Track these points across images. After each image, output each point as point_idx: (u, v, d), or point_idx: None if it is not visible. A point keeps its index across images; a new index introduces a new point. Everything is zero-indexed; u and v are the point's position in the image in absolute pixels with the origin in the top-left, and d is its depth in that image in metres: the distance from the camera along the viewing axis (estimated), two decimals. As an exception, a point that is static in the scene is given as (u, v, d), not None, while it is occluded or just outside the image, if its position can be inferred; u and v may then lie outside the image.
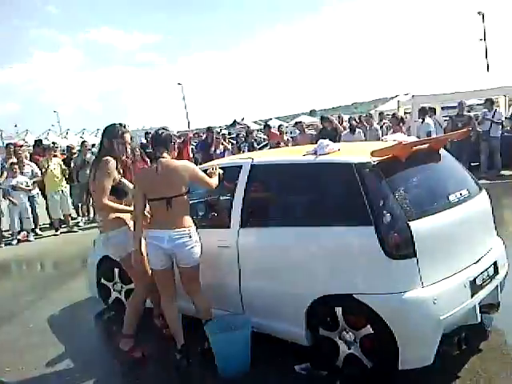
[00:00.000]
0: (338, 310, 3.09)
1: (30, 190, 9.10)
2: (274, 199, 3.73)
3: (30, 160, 10.03)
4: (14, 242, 8.78)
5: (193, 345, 3.58)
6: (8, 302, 5.50)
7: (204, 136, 12.42)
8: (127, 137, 3.81)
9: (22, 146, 10.99)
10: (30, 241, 8.86)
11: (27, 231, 9.04)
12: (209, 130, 11.40)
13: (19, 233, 9.01)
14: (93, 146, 11.75)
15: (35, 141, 12.97)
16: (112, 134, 3.75)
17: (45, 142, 14.17)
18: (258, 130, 22.85)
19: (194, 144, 13.16)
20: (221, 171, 3.84)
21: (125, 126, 3.84)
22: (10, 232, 9.00)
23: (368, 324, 2.96)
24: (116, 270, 4.52)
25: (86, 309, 4.91)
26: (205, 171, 3.77)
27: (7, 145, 10.17)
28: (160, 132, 3.65)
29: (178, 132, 28.79)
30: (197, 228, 3.57)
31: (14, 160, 9.15)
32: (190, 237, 3.45)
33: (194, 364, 3.50)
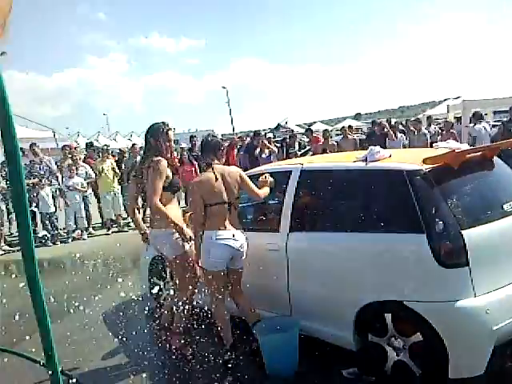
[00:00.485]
0: (388, 317, 3.11)
1: (84, 191, 9.51)
2: (324, 204, 3.78)
3: (84, 162, 10.49)
4: (69, 240, 9.18)
5: (240, 344, 3.68)
6: (65, 298, 5.75)
7: (249, 140, 12.57)
8: (171, 134, 3.91)
9: (76, 148, 11.44)
10: (83, 239, 9.23)
11: (81, 230, 9.42)
12: (256, 133, 11.52)
13: (74, 231, 9.42)
14: (140, 148, 12.07)
15: (86, 143, 13.50)
16: (157, 133, 3.83)
17: (95, 144, 14.67)
18: (302, 134, 22.87)
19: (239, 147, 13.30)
20: (271, 179, 3.93)
21: (168, 125, 3.90)
22: (66, 230, 9.41)
23: (418, 331, 2.97)
24: (167, 269, 4.69)
25: (138, 306, 5.09)
26: (256, 177, 3.89)
27: (63, 147, 10.64)
28: (210, 139, 3.84)
29: (222, 135, 29.23)
30: (247, 231, 3.72)
31: (71, 161, 9.58)
32: (250, 230, 3.70)
33: (242, 363, 3.60)
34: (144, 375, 3.66)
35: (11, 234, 9.85)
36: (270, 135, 14.12)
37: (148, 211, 4.46)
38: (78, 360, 4.00)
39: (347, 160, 3.78)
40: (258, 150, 10.63)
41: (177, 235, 3.72)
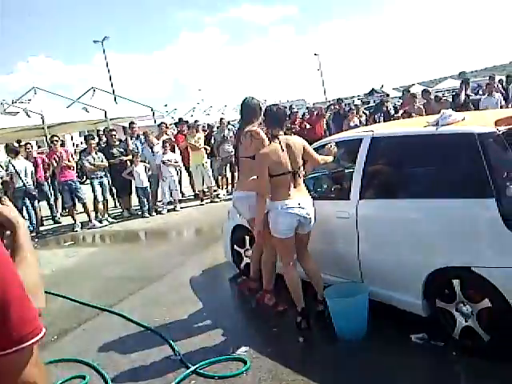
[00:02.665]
0: (456, 283, 3.08)
1: (177, 165, 10.11)
2: (394, 171, 3.76)
3: (175, 137, 11.13)
4: (164, 211, 9.83)
5: (310, 308, 3.86)
6: (159, 263, 6.31)
7: (336, 108, 12.41)
8: (262, 107, 4.20)
9: (170, 124, 12.09)
10: (177, 210, 9.84)
11: (175, 202, 10.03)
12: (339, 101, 11.36)
13: (169, 203, 10.07)
14: (228, 123, 12.47)
15: (179, 119, 14.15)
16: (250, 107, 4.16)
17: (191, 119, 15.29)
18: (399, 98, 21.93)
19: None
20: (335, 149, 3.99)
21: (254, 98, 4.25)
22: (162, 202, 10.08)
23: (486, 297, 2.92)
24: (247, 238, 4.94)
25: (222, 272, 5.44)
26: (322, 146, 3.95)
27: (159, 124, 11.33)
28: (275, 109, 3.90)
29: (313, 104, 28.89)
30: (318, 199, 3.82)
31: (166, 138, 10.20)
32: (313, 205, 3.75)
33: (313, 326, 3.77)
34: (222, 332, 3.97)
35: (115, 206, 10.74)
36: (358, 102, 13.77)
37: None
38: (167, 319, 4.39)
39: (419, 125, 3.70)
40: (346, 118, 10.52)
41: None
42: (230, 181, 10.97)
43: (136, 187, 9.75)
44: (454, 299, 3.12)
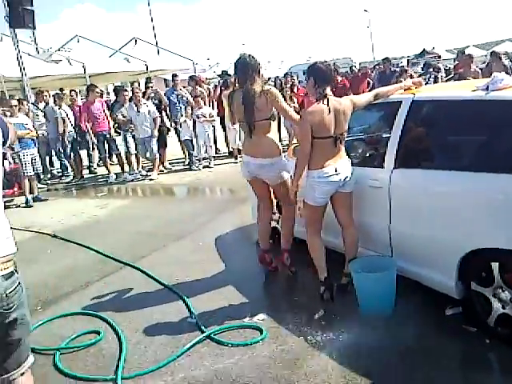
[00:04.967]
0: (495, 266, 2.80)
1: (212, 121, 9.88)
2: (435, 140, 3.42)
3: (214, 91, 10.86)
4: (200, 167, 9.72)
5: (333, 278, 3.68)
6: (185, 222, 6.23)
7: (382, 68, 11.79)
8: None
9: (205, 79, 11.79)
10: (210, 167, 9.71)
11: (209, 158, 9.90)
12: (386, 61, 10.76)
13: (204, 159, 9.95)
14: (268, 79, 12.05)
15: (222, 71, 13.84)
16: (250, 64, 3.86)
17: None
18: (453, 60, 20.76)
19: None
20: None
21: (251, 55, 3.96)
22: (197, 158, 9.97)
23: (528, 284, 2.64)
24: (274, 201, 4.72)
25: (249, 234, 5.29)
26: None
27: (191, 77, 11.05)
28: (323, 67, 3.57)
29: (360, 63, 27.85)
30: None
31: (199, 93, 9.95)
32: (352, 164, 3.59)
33: (336, 298, 3.59)
34: (241, 297, 3.86)
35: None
36: (404, 64, 13.05)
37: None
38: (187, 279, 4.33)
39: (466, 89, 3.33)
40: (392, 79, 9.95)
41: (280, 164, 3.94)
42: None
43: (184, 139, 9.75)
44: (491, 283, 2.85)
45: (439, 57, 24.48)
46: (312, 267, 3.74)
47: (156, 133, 9.24)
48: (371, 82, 11.29)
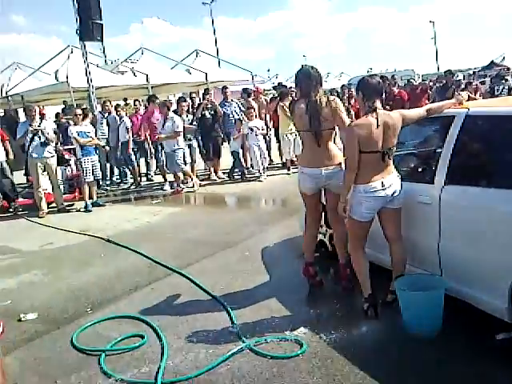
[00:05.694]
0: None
1: (264, 133, 9.94)
2: (489, 156, 3.27)
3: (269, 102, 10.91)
4: (253, 177, 9.73)
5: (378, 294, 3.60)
6: (233, 231, 6.29)
7: (444, 81, 11.44)
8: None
9: (263, 91, 11.90)
10: (262, 179, 9.73)
11: (262, 170, 9.93)
12: (448, 73, 10.44)
13: (256, 170, 9.99)
14: (332, 90, 12.03)
15: (278, 83, 13.92)
16: (313, 75, 3.89)
17: (293, 85, 14.99)
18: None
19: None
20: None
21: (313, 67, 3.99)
22: (249, 170, 10.05)
23: None
24: (322, 214, 4.69)
25: (294, 245, 5.26)
26: None
27: (244, 89, 11.19)
28: (372, 80, 3.52)
29: (422, 75, 27.16)
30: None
31: (253, 105, 10.06)
32: (401, 179, 3.49)
33: (380, 315, 3.51)
34: (284, 309, 3.84)
35: (206, 169, 10.91)
36: (460, 76, 12.58)
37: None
38: (232, 288, 4.36)
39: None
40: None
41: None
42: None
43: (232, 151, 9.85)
44: (545, 309, 2.68)
45: (508, 69, 23.36)
46: (356, 281, 3.68)
47: (180, 144, 9.17)
48: (431, 95, 10.93)
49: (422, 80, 20.92)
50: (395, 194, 3.45)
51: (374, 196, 3.41)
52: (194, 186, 9.37)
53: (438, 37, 46.30)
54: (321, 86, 3.92)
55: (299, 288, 4.25)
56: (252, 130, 9.59)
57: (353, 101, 10.81)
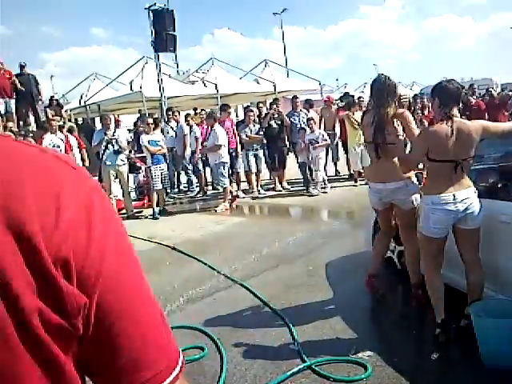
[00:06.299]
0: None
1: (326, 145, 9.75)
2: None
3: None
4: (315, 191, 9.55)
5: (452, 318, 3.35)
6: (297, 244, 6.16)
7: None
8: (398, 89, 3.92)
9: (333, 100, 11.72)
10: (325, 192, 9.51)
11: (325, 182, 9.71)
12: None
13: (317, 183, 9.79)
14: (402, 98, 11.65)
15: (344, 93, 13.69)
16: (389, 86, 3.80)
17: (361, 95, 14.73)
18: None
19: None
20: None
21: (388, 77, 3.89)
22: (313, 182, 9.89)
23: None
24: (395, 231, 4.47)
25: (359, 260, 5.06)
26: None
27: (306, 100, 11.07)
28: (450, 86, 3.30)
29: (501, 85, 25.63)
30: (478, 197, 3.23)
31: (311, 116, 9.94)
32: (477, 195, 3.24)
33: (453, 342, 3.25)
34: (348, 329, 3.65)
35: (271, 179, 10.84)
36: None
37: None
38: (292, 303, 4.25)
39: None
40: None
41: (409, 187, 3.76)
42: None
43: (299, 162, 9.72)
44: None
45: None
46: (429, 304, 3.44)
47: (224, 158, 8.89)
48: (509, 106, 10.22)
49: (502, 89, 19.74)
50: (468, 211, 3.19)
51: (443, 209, 3.17)
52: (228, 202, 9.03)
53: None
54: (394, 96, 3.80)
55: (365, 307, 4.08)
56: (311, 142, 9.39)
57: (426, 111, 10.37)
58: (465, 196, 3.19)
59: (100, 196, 0.59)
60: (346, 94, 12.55)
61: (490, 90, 10.85)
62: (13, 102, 11.72)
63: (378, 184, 3.89)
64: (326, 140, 9.60)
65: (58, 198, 0.53)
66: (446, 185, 3.19)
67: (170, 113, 11.15)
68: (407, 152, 4.03)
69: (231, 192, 9.11)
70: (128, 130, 12.31)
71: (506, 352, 2.95)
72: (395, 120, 3.73)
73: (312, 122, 9.57)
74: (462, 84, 3.57)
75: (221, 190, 10.25)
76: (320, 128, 10.05)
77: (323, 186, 9.62)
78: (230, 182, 9.56)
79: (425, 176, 3.71)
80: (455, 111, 3.24)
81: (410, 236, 3.84)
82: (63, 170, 0.57)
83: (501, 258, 3.26)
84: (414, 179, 3.87)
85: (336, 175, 10.65)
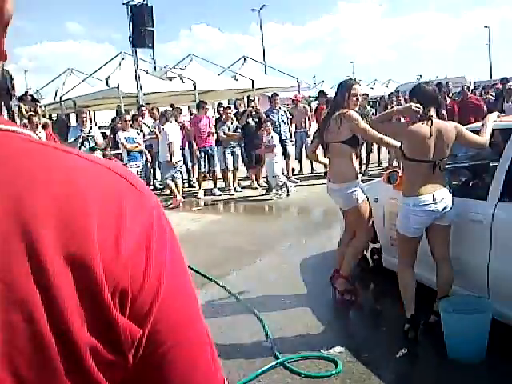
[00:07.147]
0: None
1: (272, 149, 9.80)
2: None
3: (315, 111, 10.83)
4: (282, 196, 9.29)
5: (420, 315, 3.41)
6: (272, 241, 6.18)
7: (498, 89, 10.96)
8: (357, 89, 3.97)
9: (301, 98, 11.83)
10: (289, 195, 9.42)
11: (286, 186, 9.55)
12: (503, 81, 9.99)
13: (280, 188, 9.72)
14: (380, 98, 11.82)
15: (318, 92, 13.79)
16: (345, 88, 3.94)
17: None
18: None
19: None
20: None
21: (355, 79, 4.19)
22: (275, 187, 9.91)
23: None
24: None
25: (333, 258, 5.11)
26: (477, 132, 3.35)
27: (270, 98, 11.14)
28: (427, 87, 3.40)
29: (475, 83, 26.14)
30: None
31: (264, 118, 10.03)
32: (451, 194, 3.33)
33: (421, 337, 3.32)
34: (320, 325, 3.71)
35: (247, 177, 10.86)
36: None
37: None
38: (268, 298, 4.29)
39: None
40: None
41: (351, 190, 3.86)
42: (364, 161, 10.33)
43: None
44: None
45: None
46: (399, 301, 3.50)
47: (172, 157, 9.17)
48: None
49: (475, 87, 20.10)
50: (446, 210, 3.26)
51: (424, 210, 3.23)
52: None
53: (495, 43, 44.53)
54: (348, 97, 3.92)
55: (337, 304, 4.11)
56: (267, 146, 9.15)
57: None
58: (443, 196, 3.25)
59: (159, 214, 0.53)
60: (321, 92, 12.60)
61: (464, 86, 10.93)
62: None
63: (327, 181, 4.16)
64: (273, 145, 9.13)
65: (120, 222, 0.47)
66: (425, 185, 3.24)
67: (144, 109, 11.02)
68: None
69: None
70: (100, 126, 12.11)
71: (469, 347, 3.04)
72: (339, 118, 3.82)
73: (268, 123, 9.27)
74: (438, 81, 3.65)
75: (197, 187, 10.21)
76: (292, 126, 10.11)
77: (286, 189, 9.19)
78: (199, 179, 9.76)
79: (400, 175, 3.77)
80: (433, 112, 3.30)
81: (359, 232, 4.02)
82: (124, 188, 0.51)
83: (468, 255, 3.34)
84: (358, 181, 3.99)
85: (312, 173, 10.71)
